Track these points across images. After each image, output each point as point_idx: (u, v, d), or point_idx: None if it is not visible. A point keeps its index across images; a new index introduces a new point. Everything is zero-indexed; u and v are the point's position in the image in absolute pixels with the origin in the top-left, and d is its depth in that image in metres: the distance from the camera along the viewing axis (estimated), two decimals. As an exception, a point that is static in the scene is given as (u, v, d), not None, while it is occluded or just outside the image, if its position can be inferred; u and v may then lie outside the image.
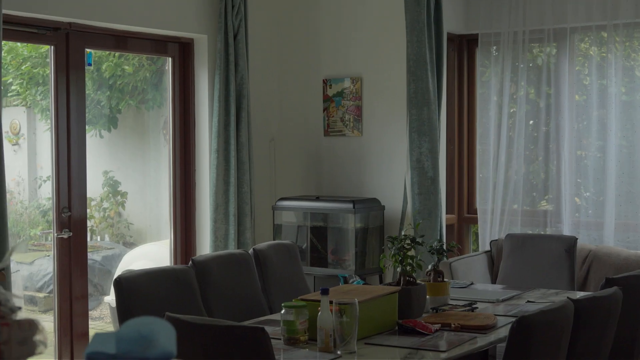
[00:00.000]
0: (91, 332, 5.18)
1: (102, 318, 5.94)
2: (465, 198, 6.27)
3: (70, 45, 4.96)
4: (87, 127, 5.26)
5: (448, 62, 6.02)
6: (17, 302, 1.58)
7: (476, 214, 6.06)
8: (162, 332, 1.37)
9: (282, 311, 3.28)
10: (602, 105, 5.64)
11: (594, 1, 5.60)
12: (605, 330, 3.31)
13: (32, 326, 1.51)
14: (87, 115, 5.17)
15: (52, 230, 4.95)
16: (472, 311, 3.89)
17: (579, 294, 4.42)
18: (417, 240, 3.85)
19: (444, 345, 3.31)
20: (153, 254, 6.05)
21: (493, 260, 5.61)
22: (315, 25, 6.03)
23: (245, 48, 5.53)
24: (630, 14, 5.49)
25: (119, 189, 6.05)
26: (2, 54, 4.47)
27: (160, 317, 2.96)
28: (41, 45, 5.10)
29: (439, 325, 3.54)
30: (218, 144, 5.43)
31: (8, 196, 5.34)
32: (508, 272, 5.37)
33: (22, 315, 1.57)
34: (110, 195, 6.02)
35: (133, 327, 1.37)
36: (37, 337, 1.52)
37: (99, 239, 6.19)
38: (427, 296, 3.88)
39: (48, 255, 5.24)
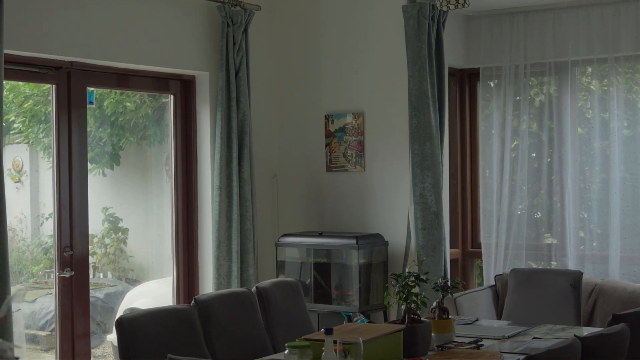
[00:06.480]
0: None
1: (104, 356, 5.89)
2: (469, 232, 6.25)
3: (71, 84, 4.97)
4: (90, 165, 5.25)
5: (450, 97, 6.02)
6: (15, 352, 1.56)
7: (480, 248, 6.03)
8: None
9: (286, 351, 3.25)
10: (605, 138, 5.63)
11: (595, 34, 5.62)
12: (613, 368, 3.27)
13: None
14: (90, 153, 5.16)
15: (53, 270, 4.92)
16: (478, 348, 3.85)
17: (586, 330, 4.39)
18: (422, 277, 3.82)
19: (450, 384, 3.27)
20: (155, 291, 6.01)
21: (498, 294, 5.58)
22: (317, 61, 6.04)
23: (246, 85, 5.54)
24: (631, 46, 5.50)
25: (119, 225, 6.03)
26: (4, 92, 4.48)
27: (162, 359, 2.92)
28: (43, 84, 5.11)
29: (445, 363, 3.50)
30: (220, 180, 5.42)
31: (11, 234, 5.33)
32: (513, 308, 5.33)
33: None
34: (112, 231, 6.00)
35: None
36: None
37: (101, 276, 6.16)
38: (432, 334, 3.85)
39: (50, 294, 5.21)
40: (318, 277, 5.59)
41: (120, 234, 6.05)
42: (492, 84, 6.03)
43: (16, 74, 4.73)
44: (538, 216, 5.92)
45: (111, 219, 5.98)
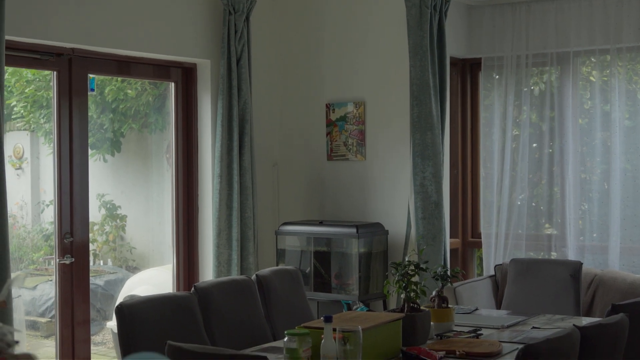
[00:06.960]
0: (93, 358, 5.15)
1: (104, 343, 5.91)
2: (469, 222, 6.25)
3: (73, 70, 4.96)
4: (91, 151, 5.25)
5: (451, 86, 6.02)
6: (16, 336, 1.56)
7: (480, 238, 6.04)
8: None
9: (285, 339, 3.25)
10: (606, 129, 5.63)
11: (597, 25, 5.61)
12: (612, 358, 3.28)
13: (29, 360, 1.49)
14: (91, 139, 5.16)
15: (54, 256, 4.93)
16: (477, 338, 3.86)
17: (585, 320, 4.39)
18: (421, 266, 3.83)
19: (448, 373, 3.27)
20: (155, 279, 6.02)
21: (498, 284, 5.58)
22: (319, 50, 6.03)
23: (248, 73, 5.53)
24: (633, 37, 5.49)
25: (117, 212, 6.03)
26: (6, 77, 4.47)
27: (162, 346, 2.93)
28: (44, 70, 5.11)
29: (444, 352, 3.50)
30: (221, 168, 5.42)
31: (11, 220, 5.34)
32: (513, 297, 5.34)
33: (19, 349, 1.55)
34: (108, 219, 6.01)
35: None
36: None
37: (101, 263, 6.17)
38: (432, 322, 3.86)
39: (50, 280, 5.23)
40: (318, 266, 5.60)
41: (118, 221, 6.06)
42: (493, 74, 6.02)
43: (17, 60, 4.73)
44: (538, 206, 5.92)
45: (108, 206, 5.98)
